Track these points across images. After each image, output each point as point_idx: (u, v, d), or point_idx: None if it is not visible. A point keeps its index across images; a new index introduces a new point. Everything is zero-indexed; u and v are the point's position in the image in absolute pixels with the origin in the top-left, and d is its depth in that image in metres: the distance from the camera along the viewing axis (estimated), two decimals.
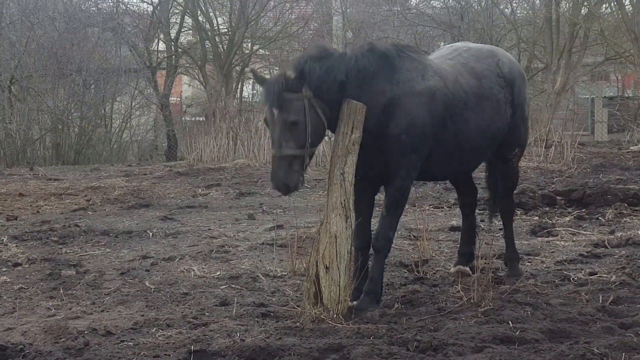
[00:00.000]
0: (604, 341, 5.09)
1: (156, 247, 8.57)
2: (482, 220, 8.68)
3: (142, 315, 6.00)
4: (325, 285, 5.77)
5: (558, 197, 10.90)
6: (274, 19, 24.30)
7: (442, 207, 11.00)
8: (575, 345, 5.02)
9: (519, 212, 9.90)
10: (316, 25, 25.08)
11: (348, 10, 24.67)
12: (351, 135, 5.85)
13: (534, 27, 23.72)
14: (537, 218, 9.96)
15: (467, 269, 7.10)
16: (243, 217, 10.41)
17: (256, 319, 5.89)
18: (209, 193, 12.82)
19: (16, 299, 6.54)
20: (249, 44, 24.65)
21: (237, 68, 24.10)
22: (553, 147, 16.09)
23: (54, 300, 6.51)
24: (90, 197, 12.32)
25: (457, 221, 9.15)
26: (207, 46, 24.07)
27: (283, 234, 8.59)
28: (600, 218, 9.81)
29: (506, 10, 24.82)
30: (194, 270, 7.40)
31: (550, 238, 8.76)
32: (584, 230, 9.10)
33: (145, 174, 15.52)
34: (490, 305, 5.96)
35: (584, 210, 10.26)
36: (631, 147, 18.47)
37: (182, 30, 24.83)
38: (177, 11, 25.02)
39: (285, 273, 7.27)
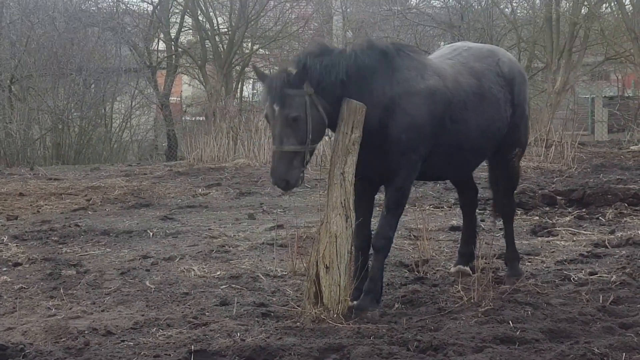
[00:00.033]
0: (604, 341, 5.09)
1: (156, 246, 8.57)
2: (482, 220, 8.67)
3: (143, 315, 6.00)
4: (326, 285, 5.76)
5: (558, 197, 10.90)
6: (274, 18, 24.27)
7: (442, 207, 11.00)
8: (576, 345, 5.02)
9: (519, 212, 9.88)
10: (316, 24, 25.07)
11: (348, 9, 24.67)
12: (351, 135, 5.85)
13: (534, 27, 23.70)
14: (537, 218, 9.96)
15: (468, 268, 7.09)
16: (243, 216, 10.41)
17: (256, 318, 5.89)
18: (209, 193, 12.81)
19: (16, 298, 6.53)
20: (249, 44, 24.64)
21: (237, 68, 24.10)
22: (553, 147, 16.08)
23: (55, 300, 6.51)
24: (90, 196, 12.31)
25: (457, 221, 9.14)
26: (207, 46, 24.05)
27: (283, 234, 8.58)
28: (600, 218, 9.81)
29: (506, 9, 24.82)
30: (194, 270, 7.40)
31: (550, 238, 8.76)
32: (584, 230, 9.10)
33: (145, 174, 15.50)
34: (490, 305, 5.96)
35: (584, 210, 10.26)
36: (631, 147, 18.47)
37: (182, 29, 24.83)
38: (177, 11, 25.00)
39: (286, 273, 7.27)
